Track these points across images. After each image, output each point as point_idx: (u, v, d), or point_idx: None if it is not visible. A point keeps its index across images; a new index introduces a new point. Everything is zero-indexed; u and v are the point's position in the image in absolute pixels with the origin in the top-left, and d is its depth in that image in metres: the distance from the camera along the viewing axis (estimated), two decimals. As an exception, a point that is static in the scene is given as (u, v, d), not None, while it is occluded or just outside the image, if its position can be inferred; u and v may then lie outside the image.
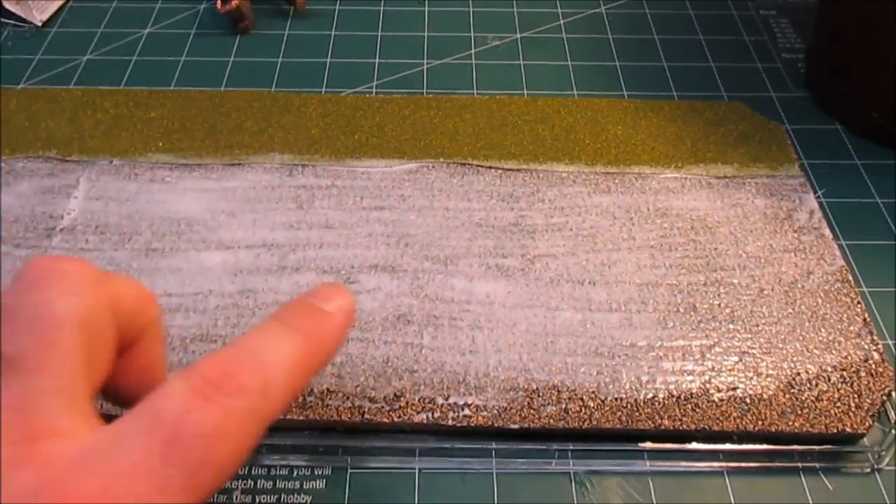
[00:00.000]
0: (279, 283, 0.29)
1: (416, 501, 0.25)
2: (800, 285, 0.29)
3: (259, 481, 0.26)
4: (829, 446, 0.26)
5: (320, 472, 0.26)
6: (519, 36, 0.43)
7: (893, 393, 0.27)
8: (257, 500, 0.25)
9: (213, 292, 0.29)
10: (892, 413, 0.27)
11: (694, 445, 0.26)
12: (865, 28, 0.35)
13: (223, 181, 0.33)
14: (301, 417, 0.26)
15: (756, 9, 0.45)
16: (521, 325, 0.28)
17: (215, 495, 0.25)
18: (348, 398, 0.26)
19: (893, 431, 0.26)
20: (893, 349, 0.29)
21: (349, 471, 0.26)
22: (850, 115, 0.38)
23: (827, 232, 0.31)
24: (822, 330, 0.28)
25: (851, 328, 0.28)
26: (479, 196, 0.32)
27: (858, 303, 0.29)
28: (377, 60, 0.41)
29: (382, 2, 0.45)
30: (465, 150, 0.34)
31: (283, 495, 0.25)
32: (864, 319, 0.28)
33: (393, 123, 0.35)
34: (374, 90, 0.39)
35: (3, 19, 0.42)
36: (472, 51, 0.42)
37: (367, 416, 0.26)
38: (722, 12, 0.45)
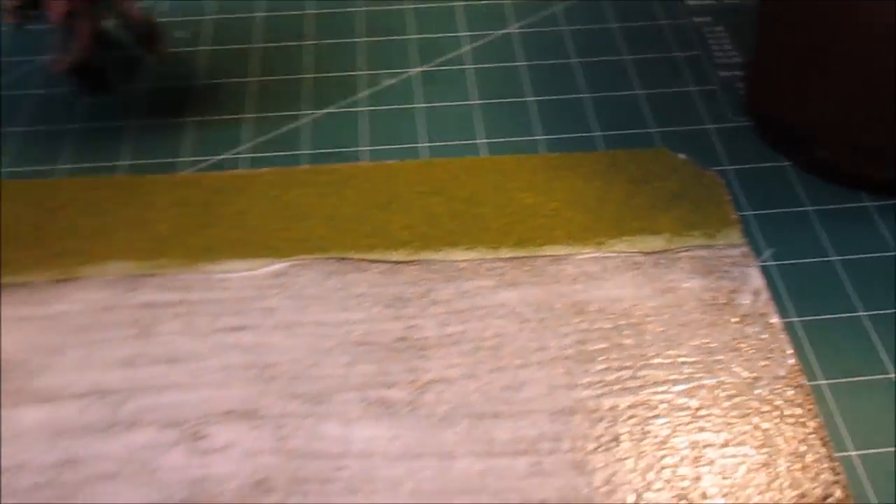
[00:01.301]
0: (109, 446, 0.23)
1: None
2: (744, 398, 0.24)
3: None
4: None
5: None
6: (416, 70, 0.37)
7: (860, 536, 0.22)
8: None
9: (26, 466, 0.23)
10: (861, 560, 0.22)
11: None
12: (804, 44, 0.30)
13: (48, 305, 0.27)
14: None
15: (688, 14, 0.40)
16: (406, 485, 0.23)
17: None
18: None
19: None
20: (856, 462, 0.25)
21: None
22: (795, 149, 0.33)
23: (775, 318, 0.26)
24: (773, 459, 0.23)
25: (808, 455, 0.23)
26: (360, 303, 0.27)
27: (815, 416, 0.24)
28: (248, 115, 0.35)
29: (258, 39, 0.38)
30: (346, 238, 0.28)
31: None
32: (822, 440, 0.23)
33: (259, 209, 0.29)
34: (243, 156, 0.33)
35: None
36: (361, 94, 0.36)
37: None
38: (650, 23, 0.39)
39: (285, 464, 0.23)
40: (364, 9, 0.40)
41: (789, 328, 0.27)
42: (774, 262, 0.30)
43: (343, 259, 0.28)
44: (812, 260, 0.30)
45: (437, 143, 0.33)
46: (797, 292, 0.29)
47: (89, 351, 0.26)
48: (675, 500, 0.22)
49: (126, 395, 0.25)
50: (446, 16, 0.40)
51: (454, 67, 0.37)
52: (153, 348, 0.26)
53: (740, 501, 0.22)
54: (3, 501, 0.23)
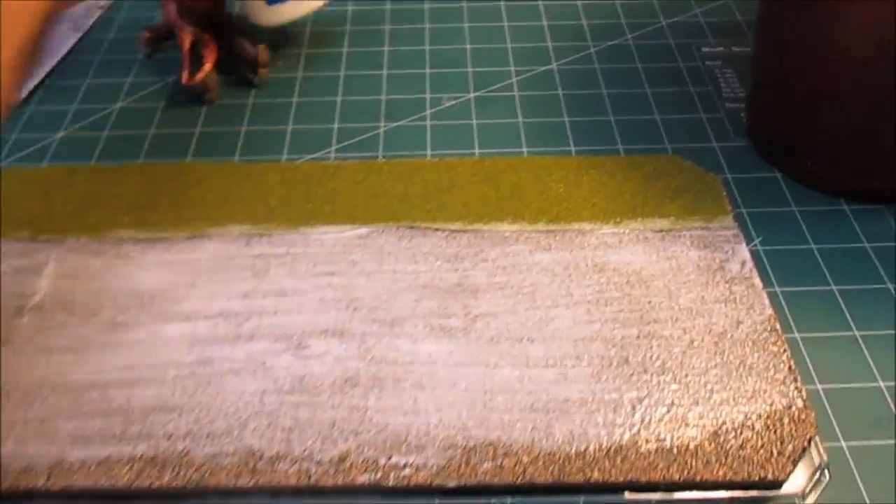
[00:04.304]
0: (234, 351, 0.31)
1: (362, 559, 0.27)
2: (729, 335, 0.31)
3: (213, 545, 0.27)
4: (757, 492, 0.27)
5: (271, 534, 0.27)
6: (472, 95, 0.45)
7: (816, 438, 0.28)
8: (211, 563, 0.27)
9: (171, 363, 0.30)
10: (816, 457, 0.28)
11: (626, 496, 0.27)
12: (794, 79, 0.37)
13: (184, 254, 0.34)
14: (251, 484, 0.27)
15: (702, 59, 0.47)
16: (461, 384, 0.29)
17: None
18: (296, 462, 0.27)
19: (817, 474, 0.28)
20: (822, 393, 0.31)
21: (298, 532, 0.27)
22: (786, 162, 0.39)
23: (757, 282, 0.33)
24: (749, 379, 0.29)
25: (777, 376, 0.29)
26: (426, 258, 0.34)
27: (785, 350, 0.30)
28: (336, 125, 0.43)
29: (343, 68, 0.47)
30: (414, 212, 0.36)
31: (235, 558, 0.27)
32: (790, 367, 0.30)
33: (347, 189, 0.37)
34: (332, 155, 0.41)
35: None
36: (427, 112, 0.44)
37: (313, 479, 0.27)
38: (669, 64, 0.47)
39: (367, 367, 0.30)
40: (430, 48, 0.48)
41: (771, 295, 0.34)
42: (762, 247, 0.36)
43: (412, 227, 0.35)
44: (794, 247, 0.36)
45: (489, 150, 0.41)
46: (780, 269, 0.35)
47: (217, 287, 0.33)
48: (665, 406, 0.29)
49: (246, 317, 0.32)
50: (499, 54, 0.48)
51: (504, 94, 0.45)
52: (266, 285, 0.33)
53: (721, 409, 0.28)
54: (152, 387, 0.30)
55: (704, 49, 0.48)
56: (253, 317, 0.32)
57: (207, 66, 0.43)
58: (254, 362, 0.30)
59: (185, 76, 0.43)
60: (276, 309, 0.32)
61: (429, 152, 0.41)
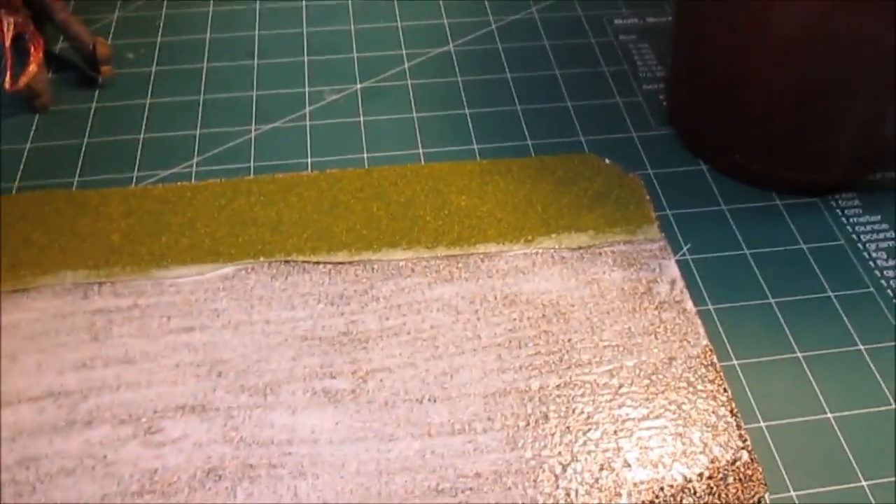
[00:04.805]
0: (67, 443, 0.25)
1: None
2: (661, 375, 0.26)
3: None
4: (701, 568, 0.23)
5: None
6: (359, 86, 0.39)
7: (766, 495, 0.24)
8: None
9: (-16, 466, 0.24)
10: (767, 518, 0.24)
11: (552, 589, 0.23)
12: (716, 62, 0.32)
13: (4, 314, 0.28)
14: None
15: (615, 33, 0.43)
16: (350, 465, 0.24)
17: None
18: (145, 590, 0.22)
19: (769, 540, 0.24)
20: (766, 433, 0.27)
21: None
22: (711, 154, 0.35)
23: (689, 305, 0.29)
24: (687, 430, 0.25)
25: (718, 423, 0.25)
26: (305, 301, 0.28)
27: (725, 390, 0.26)
28: (198, 131, 0.36)
29: (206, 59, 0.40)
30: (290, 243, 0.30)
31: None
32: (731, 410, 0.26)
33: (207, 217, 0.31)
34: (193, 169, 0.34)
35: None
36: (307, 109, 0.38)
37: None
38: (578, 41, 0.42)
39: (235, 452, 0.25)
40: (309, 30, 0.42)
41: (705, 315, 0.30)
42: (692, 256, 0.32)
43: (288, 262, 0.29)
44: (726, 253, 0.32)
45: (379, 154, 0.35)
46: (713, 282, 0.31)
47: (45, 356, 0.27)
48: (593, 474, 0.24)
49: (82, 395, 0.26)
50: (389, 36, 0.42)
51: (396, 83, 0.39)
52: (108, 351, 0.27)
53: (657, 470, 0.24)
54: (-38, 499, 0.24)
55: (617, 21, 0.43)
56: (91, 394, 0.26)
57: (32, 69, 0.35)
58: (92, 457, 0.24)
59: (7, 80, 0.36)
60: (121, 382, 0.26)
61: (309, 160, 0.35)
